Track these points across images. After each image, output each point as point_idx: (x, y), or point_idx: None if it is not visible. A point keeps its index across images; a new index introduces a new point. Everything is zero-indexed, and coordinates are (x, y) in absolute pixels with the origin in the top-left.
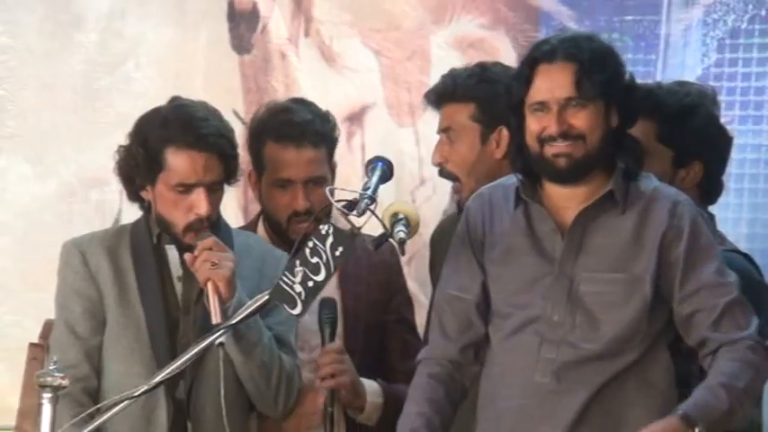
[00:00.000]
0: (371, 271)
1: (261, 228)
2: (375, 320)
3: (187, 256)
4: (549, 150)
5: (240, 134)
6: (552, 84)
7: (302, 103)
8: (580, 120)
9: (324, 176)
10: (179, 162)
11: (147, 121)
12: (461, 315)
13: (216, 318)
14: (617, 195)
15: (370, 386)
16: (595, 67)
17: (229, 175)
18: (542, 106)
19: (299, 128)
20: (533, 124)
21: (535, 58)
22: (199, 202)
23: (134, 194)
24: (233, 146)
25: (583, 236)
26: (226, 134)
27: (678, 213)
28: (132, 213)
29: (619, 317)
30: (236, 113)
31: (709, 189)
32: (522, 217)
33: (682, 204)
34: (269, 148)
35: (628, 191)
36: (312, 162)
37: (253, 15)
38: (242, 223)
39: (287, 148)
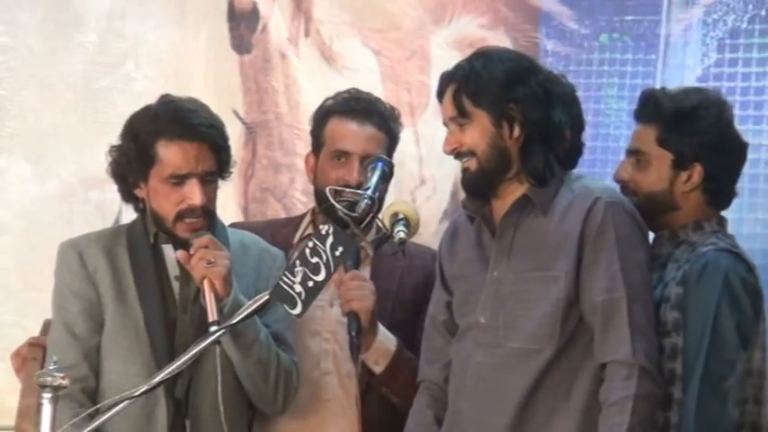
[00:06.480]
0: (408, 272)
1: (306, 222)
2: (402, 319)
3: (182, 253)
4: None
5: (239, 134)
6: (444, 106)
7: (370, 94)
8: (467, 137)
9: None
10: (171, 153)
11: (137, 118)
12: (435, 336)
13: (212, 316)
14: (534, 199)
15: (386, 332)
16: (471, 82)
17: (222, 167)
18: (447, 126)
19: (364, 104)
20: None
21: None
22: (192, 192)
23: (128, 194)
24: (224, 137)
25: (512, 239)
26: (216, 125)
27: (594, 210)
28: (132, 213)
29: (536, 313)
30: (236, 113)
31: (715, 193)
32: (474, 230)
33: (600, 201)
34: (332, 122)
35: (555, 193)
36: (372, 139)
37: (253, 15)
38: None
39: (350, 121)
